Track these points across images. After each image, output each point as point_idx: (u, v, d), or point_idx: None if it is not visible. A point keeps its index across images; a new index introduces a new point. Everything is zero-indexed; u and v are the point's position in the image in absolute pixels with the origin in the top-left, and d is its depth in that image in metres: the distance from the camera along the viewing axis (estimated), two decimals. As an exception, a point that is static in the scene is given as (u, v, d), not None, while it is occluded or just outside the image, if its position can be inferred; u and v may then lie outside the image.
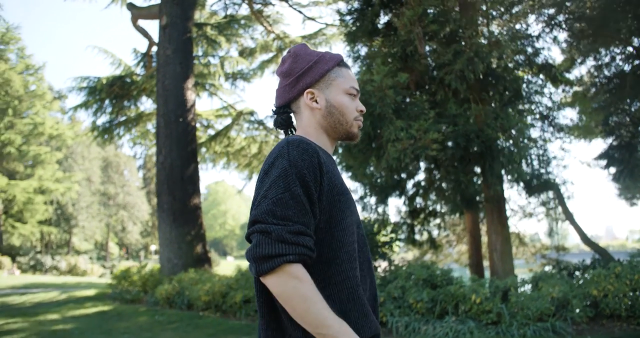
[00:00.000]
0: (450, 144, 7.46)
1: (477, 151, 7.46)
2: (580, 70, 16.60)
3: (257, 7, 16.98)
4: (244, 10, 17.36)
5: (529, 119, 9.63)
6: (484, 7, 9.65)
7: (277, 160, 1.22)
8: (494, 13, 12.53)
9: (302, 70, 1.42)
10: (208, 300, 8.96)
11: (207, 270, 11.51)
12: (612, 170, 15.65)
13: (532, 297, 6.83)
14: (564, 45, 16.48)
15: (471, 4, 8.98)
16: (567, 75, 17.17)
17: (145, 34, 14.90)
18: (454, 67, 7.23)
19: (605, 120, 15.08)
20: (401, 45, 7.48)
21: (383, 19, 8.81)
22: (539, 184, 13.16)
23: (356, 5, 8.83)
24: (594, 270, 7.40)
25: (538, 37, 14.48)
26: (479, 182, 8.55)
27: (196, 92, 13.64)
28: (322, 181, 1.24)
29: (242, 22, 16.69)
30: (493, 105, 8.26)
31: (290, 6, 15.46)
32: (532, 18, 14.79)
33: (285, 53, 1.67)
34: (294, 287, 1.10)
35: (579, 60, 17.03)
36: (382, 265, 9.07)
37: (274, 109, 1.49)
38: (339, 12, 9.16)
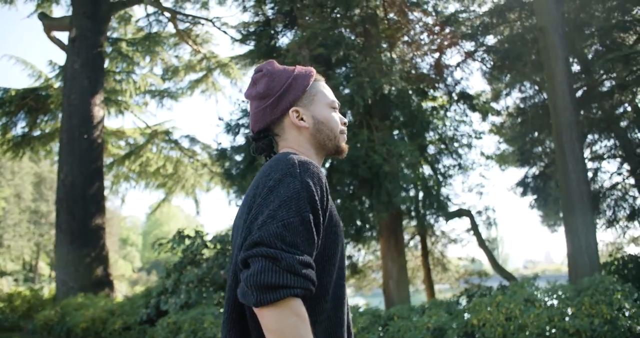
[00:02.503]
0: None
1: (366, 177, 7.41)
2: (506, 101, 17.07)
3: (186, 25, 16.75)
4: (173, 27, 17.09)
5: (432, 147, 9.77)
6: (384, 34, 9.74)
7: (286, 178, 1.12)
8: (407, 39, 12.78)
9: (282, 89, 1.33)
10: (87, 327, 8.42)
11: (100, 295, 10.92)
12: (530, 198, 16.11)
13: (408, 327, 6.70)
14: (486, 76, 17.01)
15: (377, 31, 9.09)
16: (494, 105, 17.70)
17: (62, 45, 14.36)
18: (342, 91, 7.18)
19: (520, 149, 15.55)
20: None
21: (281, 40, 8.78)
22: (453, 212, 13.34)
23: (255, 26, 8.75)
24: (477, 299, 7.36)
25: (457, 66, 14.90)
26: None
27: (105, 108, 13.21)
28: (326, 209, 1.16)
29: (171, 40, 16.44)
30: (394, 131, 8.32)
31: (215, 26, 15.30)
32: (454, 50, 15.24)
33: (254, 73, 1.47)
34: (293, 325, 1.01)
35: (504, 92, 17.61)
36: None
37: (252, 134, 1.38)
38: (240, 32, 9.06)
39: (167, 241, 8.15)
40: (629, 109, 15.31)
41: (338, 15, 8.13)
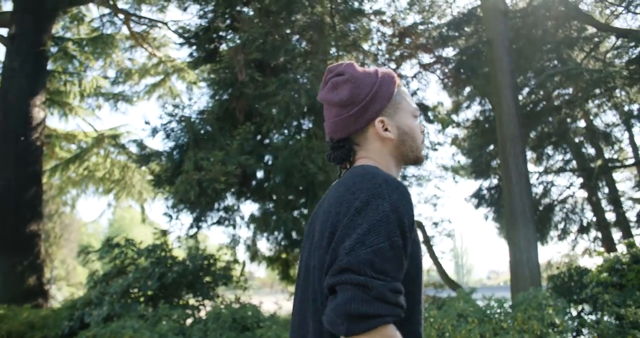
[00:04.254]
0: (278, 178, 7.20)
1: (301, 187, 7.20)
2: (466, 114, 17.17)
3: (142, 28, 16.35)
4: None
5: None
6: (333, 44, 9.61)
7: (375, 200, 1.06)
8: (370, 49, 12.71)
9: (368, 97, 1.25)
10: (0, 342, 7.91)
11: (25, 306, 10.33)
12: (484, 210, 16.15)
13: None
14: (446, 89, 17.08)
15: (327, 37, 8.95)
16: (455, 117, 17.78)
17: (4, 42, 13.78)
18: (278, 98, 6.97)
19: (476, 161, 15.61)
20: (224, 71, 7.17)
21: (224, 44, 8.54)
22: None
23: (198, 29, 8.50)
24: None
25: (414, 77, 14.90)
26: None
27: (46, 109, 12.68)
28: (412, 230, 1.11)
29: (127, 43, 16.01)
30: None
31: (170, 29, 14.94)
32: (413, 61, 15.26)
33: (331, 75, 1.35)
34: None
35: (465, 104, 17.71)
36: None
37: (330, 142, 1.30)
38: (182, 36, 8.80)
39: (94, 250, 7.75)
40: (583, 123, 15.59)
41: (282, 21, 7.93)
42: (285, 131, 8.08)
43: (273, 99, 7.07)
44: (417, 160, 1.36)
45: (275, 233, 11.31)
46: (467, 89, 16.19)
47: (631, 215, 15.55)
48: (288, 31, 8.47)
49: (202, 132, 7.10)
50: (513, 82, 9.11)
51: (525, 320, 6.45)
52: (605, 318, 6.77)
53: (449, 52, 15.27)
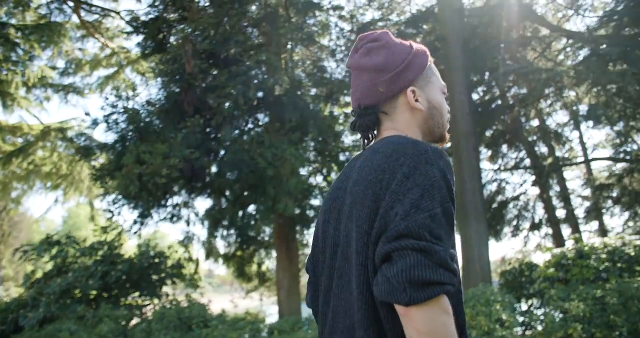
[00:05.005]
0: (230, 173, 7.00)
1: (252, 182, 7.02)
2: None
3: (94, 17, 15.71)
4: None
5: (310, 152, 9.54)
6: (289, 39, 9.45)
7: (423, 166, 1.02)
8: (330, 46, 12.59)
9: (402, 65, 1.22)
10: None
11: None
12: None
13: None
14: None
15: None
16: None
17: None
18: (227, 90, 6.75)
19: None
20: (173, 62, 6.90)
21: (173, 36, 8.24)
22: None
23: (147, 18, 8.17)
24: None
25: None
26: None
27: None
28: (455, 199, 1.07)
29: (79, 32, 15.36)
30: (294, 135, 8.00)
31: (123, 19, 14.41)
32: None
33: (364, 42, 1.30)
34: (444, 324, 0.93)
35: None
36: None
37: (356, 108, 1.26)
38: (130, 25, 8.45)
39: (32, 248, 7.34)
40: (536, 122, 15.93)
41: (234, 12, 7.70)
42: (242, 125, 7.86)
43: (222, 92, 6.85)
44: (442, 138, 1.33)
45: (230, 230, 11.11)
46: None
47: (579, 212, 16.04)
48: (244, 23, 8.28)
49: (148, 124, 6.81)
50: (467, 79, 9.17)
51: (473, 316, 6.48)
52: (551, 312, 6.89)
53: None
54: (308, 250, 16.98)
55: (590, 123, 13.87)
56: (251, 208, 10.09)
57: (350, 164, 1.28)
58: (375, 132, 1.29)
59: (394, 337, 1.02)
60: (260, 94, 8.30)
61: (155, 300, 8.15)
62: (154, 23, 7.72)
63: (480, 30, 13.42)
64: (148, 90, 17.52)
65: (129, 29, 8.38)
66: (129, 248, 12.75)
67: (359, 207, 1.09)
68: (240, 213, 10.27)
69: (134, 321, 7.33)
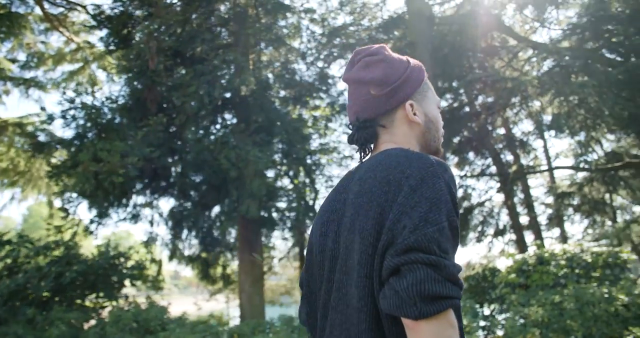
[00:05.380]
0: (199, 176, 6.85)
1: (213, 182, 6.88)
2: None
3: (59, 10, 15.25)
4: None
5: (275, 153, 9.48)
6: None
7: (430, 179, 1.03)
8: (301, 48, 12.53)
9: (401, 79, 1.24)
10: None
11: None
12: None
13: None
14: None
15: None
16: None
17: None
18: (191, 89, 6.61)
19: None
20: (136, 59, 6.72)
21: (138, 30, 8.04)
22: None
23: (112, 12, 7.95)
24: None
25: (341, 77, 14.90)
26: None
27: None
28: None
29: (42, 25, 14.87)
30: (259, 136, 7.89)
31: (89, 13, 14.04)
32: (342, 62, 15.25)
33: (361, 55, 1.32)
34: (451, 337, 0.94)
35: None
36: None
37: (355, 122, 1.25)
38: (94, 18, 8.21)
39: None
40: (503, 131, 16.22)
41: (202, 10, 7.56)
42: (207, 125, 7.71)
43: (187, 90, 6.70)
44: (437, 151, 1.34)
45: (195, 231, 10.92)
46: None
47: (542, 219, 16.40)
48: (212, 22, 8.15)
49: (110, 121, 6.60)
50: (434, 85, 9.24)
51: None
52: (512, 317, 6.95)
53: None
54: (275, 253, 16.89)
55: (554, 132, 14.22)
56: (216, 209, 9.94)
57: (348, 176, 1.28)
58: (372, 145, 1.30)
59: None
60: (227, 95, 8.18)
61: (114, 303, 7.91)
62: (119, 18, 7.52)
63: (449, 39, 13.59)
64: (111, 87, 16.97)
65: (93, 23, 8.10)
66: (91, 248, 12.41)
67: (363, 218, 1.09)
68: (207, 214, 10.12)
69: (90, 324, 7.09)
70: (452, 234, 1.02)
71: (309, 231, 15.04)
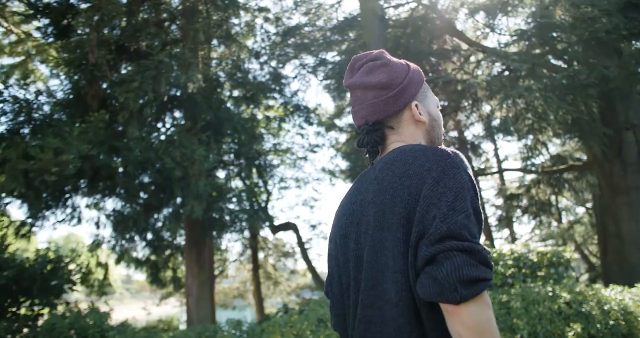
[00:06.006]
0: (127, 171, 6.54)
1: (159, 182, 6.61)
2: (349, 118, 17.37)
3: (-1, 0, 14.43)
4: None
5: (227, 154, 9.28)
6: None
7: (450, 170, 1.09)
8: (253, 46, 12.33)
9: (405, 81, 1.31)
10: None
11: None
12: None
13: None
14: (331, 93, 17.21)
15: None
16: (337, 121, 17.93)
17: None
18: (134, 84, 6.31)
19: (353, 165, 15.88)
20: (76, 51, 6.36)
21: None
22: (279, 225, 13.02)
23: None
24: (274, 318, 6.94)
25: (294, 78, 14.78)
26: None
27: None
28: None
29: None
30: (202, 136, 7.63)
31: (26, 2, 13.36)
32: (296, 62, 15.14)
33: (363, 61, 1.37)
34: (489, 317, 1.01)
35: (348, 109, 17.91)
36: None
37: (365, 125, 1.30)
38: (32, 6, 7.75)
39: None
40: (456, 134, 16.50)
41: (149, 3, 7.26)
42: (152, 122, 7.41)
43: (130, 86, 6.40)
44: None
45: (143, 233, 10.53)
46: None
47: (493, 220, 16.79)
48: (162, 16, 7.85)
49: (45, 117, 6.21)
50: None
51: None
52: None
53: (333, 56, 15.41)
54: (227, 255, 16.52)
55: (502, 135, 14.56)
56: (166, 210, 9.62)
57: (361, 178, 1.33)
58: (381, 147, 1.35)
59: (437, 335, 1.07)
60: (177, 92, 7.92)
61: (53, 310, 7.48)
62: (59, 7, 7.12)
63: (403, 41, 13.71)
64: (54, 82, 16.27)
65: (30, 11, 7.65)
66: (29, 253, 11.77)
67: (389, 215, 1.12)
68: (156, 215, 9.76)
69: (22, 333, 6.66)
70: (476, 219, 1.08)
71: (262, 233, 14.85)
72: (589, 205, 17.27)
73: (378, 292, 1.12)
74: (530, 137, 12.86)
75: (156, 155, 6.40)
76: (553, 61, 11.40)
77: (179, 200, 7.62)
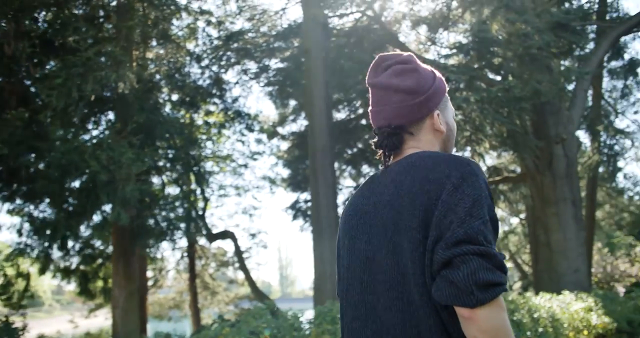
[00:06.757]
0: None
1: (85, 187, 6.19)
2: (291, 127, 17.24)
3: None
4: None
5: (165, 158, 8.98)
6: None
7: (469, 177, 1.12)
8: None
9: (431, 89, 1.31)
10: None
11: None
12: (300, 222, 16.29)
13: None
14: (274, 100, 17.04)
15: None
16: (280, 129, 17.74)
17: None
18: (58, 81, 5.90)
19: (293, 173, 15.76)
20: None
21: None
22: (217, 233, 12.67)
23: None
24: (205, 331, 6.65)
25: (236, 84, 14.53)
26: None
27: None
28: None
29: None
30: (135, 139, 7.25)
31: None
32: (238, 68, 14.89)
33: (395, 64, 1.34)
34: (504, 320, 1.04)
35: (291, 117, 17.80)
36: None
37: (389, 128, 1.29)
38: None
39: None
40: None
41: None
42: (78, 122, 6.96)
43: (53, 83, 5.98)
44: None
45: (71, 241, 9.92)
46: (294, 103, 16.38)
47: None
48: (97, 13, 7.45)
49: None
50: (327, 93, 9.20)
51: (318, 335, 6.27)
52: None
53: (276, 62, 15.29)
54: (165, 264, 15.90)
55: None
56: (96, 217, 9.10)
57: (373, 180, 1.32)
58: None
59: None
60: (110, 93, 7.51)
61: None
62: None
63: (347, 51, 13.79)
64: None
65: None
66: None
67: (408, 219, 1.13)
68: (86, 222, 9.20)
69: None
70: (493, 226, 1.10)
71: (201, 241, 14.41)
72: (522, 215, 17.96)
73: (401, 294, 1.13)
74: (468, 148, 13.19)
75: (81, 157, 5.99)
76: (490, 75, 11.77)
77: (109, 206, 7.21)
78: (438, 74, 1.39)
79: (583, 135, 13.97)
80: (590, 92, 13.03)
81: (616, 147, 14.87)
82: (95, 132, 7.76)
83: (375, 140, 1.35)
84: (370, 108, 1.39)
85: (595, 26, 12.33)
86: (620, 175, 16.01)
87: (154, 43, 10.14)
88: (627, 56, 15.20)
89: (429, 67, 1.38)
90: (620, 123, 15.75)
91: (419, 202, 1.12)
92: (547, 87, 8.33)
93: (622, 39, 13.39)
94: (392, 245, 1.16)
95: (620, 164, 15.35)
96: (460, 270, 1.02)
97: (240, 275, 16.23)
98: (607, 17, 13.18)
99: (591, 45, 12.29)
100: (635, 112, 16.18)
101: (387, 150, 1.31)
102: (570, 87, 11.24)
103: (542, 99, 8.44)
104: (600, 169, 14.80)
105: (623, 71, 15.57)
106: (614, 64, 15.47)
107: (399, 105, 1.30)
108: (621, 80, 16.07)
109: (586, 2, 12.65)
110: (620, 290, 13.18)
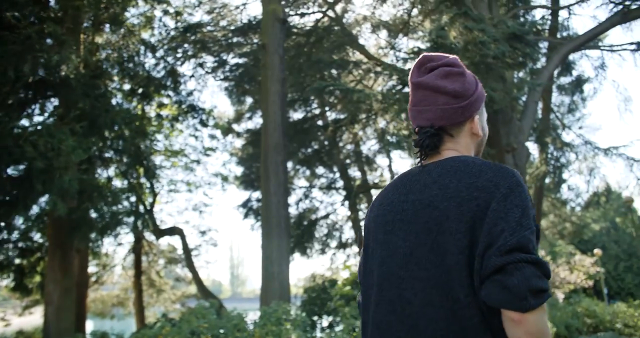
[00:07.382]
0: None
1: (19, 175, 5.80)
2: (247, 124, 16.96)
3: None
4: None
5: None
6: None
7: (517, 188, 1.17)
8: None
9: (475, 94, 1.36)
10: None
11: None
12: (252, 221, 16.06)
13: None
14: (232, 97, 16.74)
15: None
16: (235, 126, 17.42)
17: None
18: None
19: (246, 171, 15.53)
20: None
21: None
22: (165, 229, 12.27)
23: None
24: (144, 330, 6.38)
25: (191, 77, 14.18)
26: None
27: None
28: None
29: None
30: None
31: None
32: (195, 61, 14.53)
33: (442, 65, 1.37)
34: (547, 324, 1.11)
35: (247, 115, 17.52)
36: None
37: (432, 128, 1.33)
38: None
39: None
40: (352, 147, 16.74)
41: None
42: (13, 106, 6.53)
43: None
44: None
45: (5, 234, 9.34)
46: (250, 100, 16.16)
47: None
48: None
49: None
50: (283, 90, 9.04)
51: (262, 336, 6.13)
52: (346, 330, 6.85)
53: (233, 57, 15.03)
54: (111, 260, 15.29)
55: (399, 152, 14.95)
56: (36, 208, 8.61)
57: (408, 177, 1.35)
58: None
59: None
60: (58, 78, 7.08)
61: None
62: None
63: (306, 50, 13.70)
64: None
65: None
66: None
67: (455, 222, 1.17)
68: (23, 213, 8.67)
69: None
70: (537, 236, 1.16)
71: (148, 236, 13.92)
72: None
73: (443, 291, 1.16)
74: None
75: (15, 143, 5.60)
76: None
77: (47, 197, 6.80)
78: (478, 79, 1.43)
79: (532, 146, 14.38)
80: (540, 105, 13.43)
81: (562, 159, 15.39)
82: (40, 119, 7.32)
83: (415, 138, 1.37)
84: (410, 106, 1.40)
85: (547, 43, 12.73)
86: (564, 187, 16.59)
87: (107, 29, 9.73)
88: (575, 73, 15.84)
89: (471, 72, 1.42)
90: (567, 136, 16.32)
91: (466, 208, 1.17)
92: (500, 96, 8.47)
93: (571, 56, 13.90)
94: (436, 245, 1.19)
95: (565, 175, 15.90)
96: (515, 276, 1.07)
97: (189, 273, 15.84)
98: (558, 35, 13.65)
99: (543, 60, 12.68)
100: (580, 127, 16.83)
101: (427, 149, 1.34)
102: (522, 98, 11.54)
103: (494, 107, 8.58)
104: (547, 180, 15.26)
105: (571, 87, 16.20)
106: (563, 80, 16.08)
107: (443, 107, 1.33)
108: (569, 96, 16.73)
109: (540, 19, 13.04)
110: (560, 296, 13.64)
